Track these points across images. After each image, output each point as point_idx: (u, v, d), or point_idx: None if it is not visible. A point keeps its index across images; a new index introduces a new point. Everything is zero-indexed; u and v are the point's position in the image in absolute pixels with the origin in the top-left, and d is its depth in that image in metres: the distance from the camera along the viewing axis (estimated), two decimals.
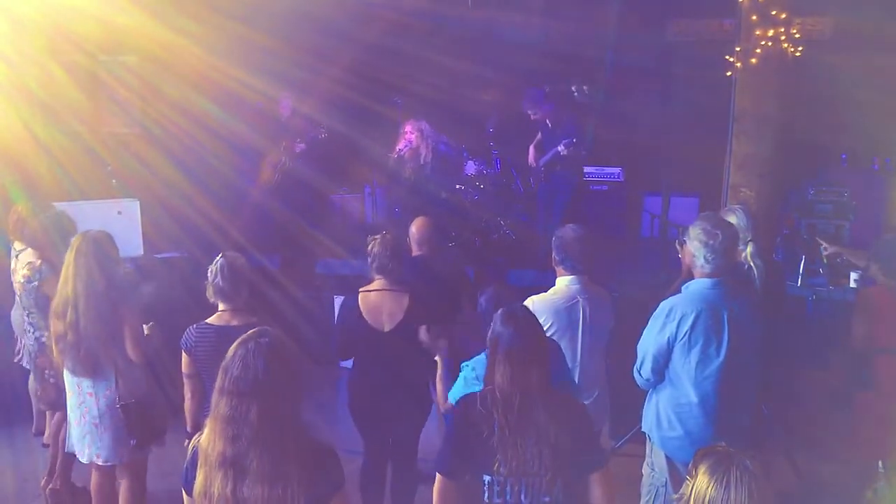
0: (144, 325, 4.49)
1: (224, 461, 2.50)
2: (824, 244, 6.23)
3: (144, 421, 4.44)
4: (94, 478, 4.64)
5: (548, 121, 8.13)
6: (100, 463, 4.52)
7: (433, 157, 8.41)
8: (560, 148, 7.82)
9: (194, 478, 2.58)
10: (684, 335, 3.83)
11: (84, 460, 4.56)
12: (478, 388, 3.63)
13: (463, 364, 3.75)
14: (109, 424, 4.42)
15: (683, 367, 3.88)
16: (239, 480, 2.49)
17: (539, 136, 8.45)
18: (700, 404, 3.88)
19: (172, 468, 2.79)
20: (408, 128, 8.40)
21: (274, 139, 8.65)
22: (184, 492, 2.70)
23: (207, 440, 2.56)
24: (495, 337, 3.00)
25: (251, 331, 2.64)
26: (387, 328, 4.49)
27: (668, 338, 3.86)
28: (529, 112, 8.14)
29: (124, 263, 4.58)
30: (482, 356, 3.72)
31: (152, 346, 4.53)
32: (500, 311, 3.08)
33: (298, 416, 2.58)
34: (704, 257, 3.87)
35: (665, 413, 4.01)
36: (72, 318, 4.27)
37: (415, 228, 5.37)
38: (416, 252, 5.34)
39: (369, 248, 4.59)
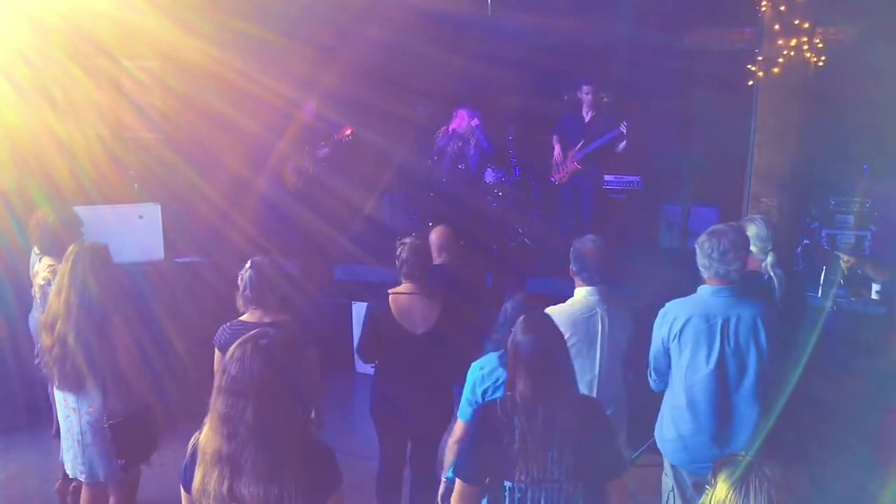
0: None
1: (220, 458, 2.52)
2: (844, 256, 6.13)
3: (134, 439, 4.33)
4: (84, 493, 4.53)
5: (590, 110, 8.17)
6: (83, 479, 4.44)
7: (476, 150, 8.37)
8: (622, 128, 7.92)
9: (193, 475, 2.61)
10: (675, 338, 3.90)
11: (70, 474, 4.51)
12: (487, 384, 3.69)
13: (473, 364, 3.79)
14: (91, 442, 4.32)
15: (677, 369, 3.96)
16: (235, 478, 2.51)
17: (555, 136, 8.44)
18: (688, 408, 3.92)
19: None
20: (461, 112, 8.34)
21: (297, 144, 8.66)
22: (182, 489, 2.73)
23: (205, 438, 2.59)
24: (515, 346, 2.95)
25: (252, 332, 2.67)
26: (419, 331, 4.52)
27: (662, 338, 3.97)
28: (586, 87, 8.19)
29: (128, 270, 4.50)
30: (491, 354, 3.74)
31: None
32: (520, 320, 3.04)
33: (295, 417, 2.60)
34: (703, 264, 3.92)
35: (664, 415, 4.10)
36: (60, 330, 4.18)
37: (434, 236, 5.40)
38: (436, 260, 5.36)
39: (398, 252, 4.62)
